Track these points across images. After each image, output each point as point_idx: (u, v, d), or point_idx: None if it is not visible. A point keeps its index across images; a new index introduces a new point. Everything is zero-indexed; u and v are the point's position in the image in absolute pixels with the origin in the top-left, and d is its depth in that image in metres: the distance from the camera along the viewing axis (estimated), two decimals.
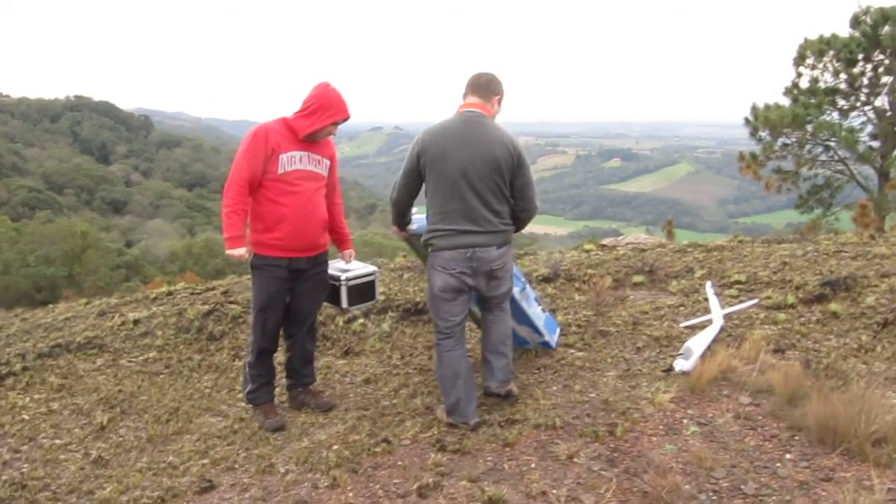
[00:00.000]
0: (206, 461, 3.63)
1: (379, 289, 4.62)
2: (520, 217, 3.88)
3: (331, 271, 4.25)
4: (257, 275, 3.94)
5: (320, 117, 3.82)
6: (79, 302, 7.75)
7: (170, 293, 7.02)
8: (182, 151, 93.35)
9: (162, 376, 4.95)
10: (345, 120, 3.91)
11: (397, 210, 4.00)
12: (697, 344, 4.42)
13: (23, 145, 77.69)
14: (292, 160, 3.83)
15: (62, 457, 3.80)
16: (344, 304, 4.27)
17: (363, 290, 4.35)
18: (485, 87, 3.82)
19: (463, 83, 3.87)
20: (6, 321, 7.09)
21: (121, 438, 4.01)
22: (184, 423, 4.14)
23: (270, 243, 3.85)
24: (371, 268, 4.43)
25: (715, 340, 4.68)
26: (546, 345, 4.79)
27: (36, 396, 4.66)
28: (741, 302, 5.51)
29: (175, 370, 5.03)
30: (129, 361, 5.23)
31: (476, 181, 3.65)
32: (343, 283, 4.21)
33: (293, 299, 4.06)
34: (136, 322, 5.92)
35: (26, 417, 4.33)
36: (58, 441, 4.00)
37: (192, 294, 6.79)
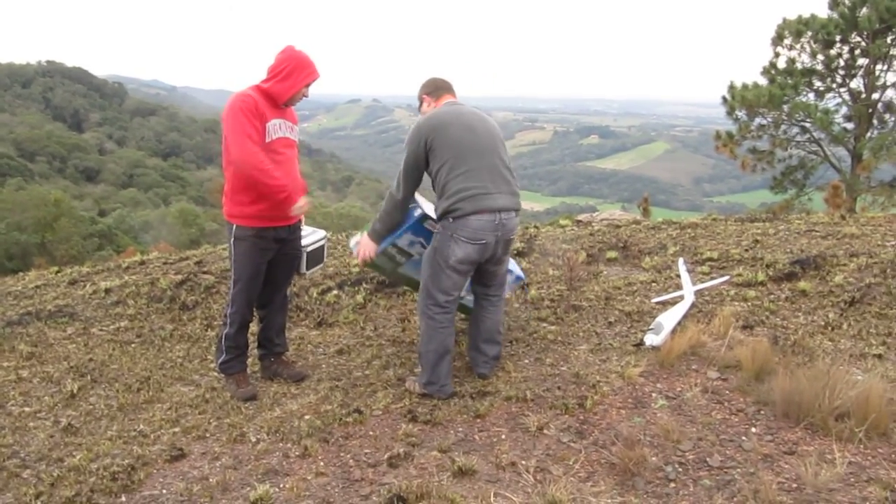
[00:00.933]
0: (176, 430, 3.63)
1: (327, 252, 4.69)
2: None
3: None
4: (243, 246, 3.87)
5: (297, 79, 3.79)
6: (50, 270, 7.66)
7: (143, 262, 6.97)
8: (157, 120, 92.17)
9: (133, 345, 4.92)
10: (315, 80, 3.89)
11: (401, 209, 3.92)
12: (668, 319, 4.47)
13: None
14: (276, 128, 3.82)
15: (31, 424, 3.77)
16: (303, 269, 4.28)
17: (317, 255, 4.39)
18: (450, 85, 4.02)
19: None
20: None
21: (91, 407, 3.99)
22: (155, 392, 4.13)
23: (259, 214, 3.82)
24: (322, 232, 4.47)
25: (686, 316, 4.73)
26: (519, 279, 4.83)
27: (5, 364, 4.62)
28: (713, 279, 5.57)
29: (147, 339, 5.01)
30: (101, 330, 5.19)
31: (490, 141, 3.76)
32: (303, 249, 4.22)
33: (270, 269, 4.04)
34: (107, 291, 5.87)
35: None
36: (27, 409, 3.97)
37: (165, 264, 6.74)
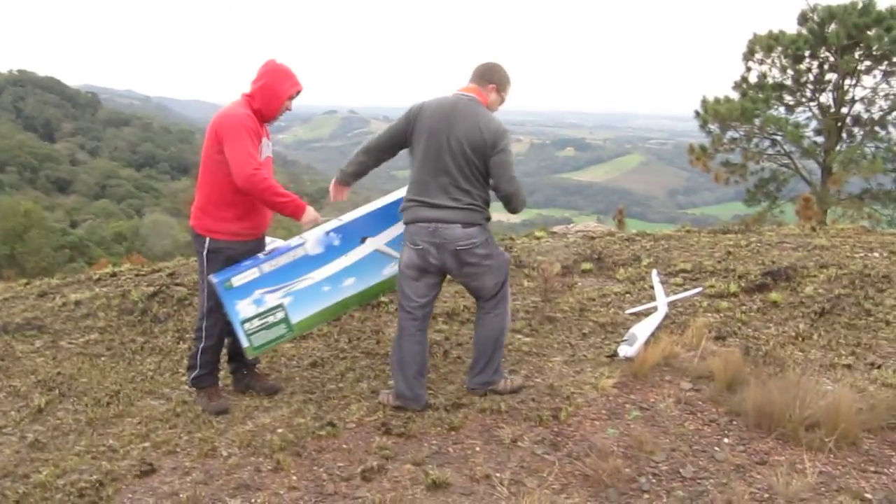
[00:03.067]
0: (147, 444, 3.57)
1: None
2: (501, 200, 3.89)
3: None
4: (219, 259, 3.82)
5: (280, 93, 3.75)
6: (18, 282, 7.53)
7: (114, 274, 6.87)
8: (131, 130, 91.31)
9: (103, 358, 4.84)
10: (299, 93, 3.86)
11: (358, 153, 4.03)
12: (642, 330, 4.49)
13: None
14: (267, 147, 3.84)
15: None
16: None
17: None
18: (480, 75, 3.87)
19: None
20: None
21: (59, 421, 3.92)
22: (125, 406, 4.07)
23: (241, 231, 3.81)
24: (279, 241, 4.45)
25: (659, 327, 4.76)
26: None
27: None
28: (686, 290, 5.62)
29: (117, 352, 4.93)
30: (70, 343, 5.11)
31: (449, 158, 3.67)
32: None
33: None
34: (77, 303, 5.78)
35: None
36: None
37: (136, 276, 6.65)
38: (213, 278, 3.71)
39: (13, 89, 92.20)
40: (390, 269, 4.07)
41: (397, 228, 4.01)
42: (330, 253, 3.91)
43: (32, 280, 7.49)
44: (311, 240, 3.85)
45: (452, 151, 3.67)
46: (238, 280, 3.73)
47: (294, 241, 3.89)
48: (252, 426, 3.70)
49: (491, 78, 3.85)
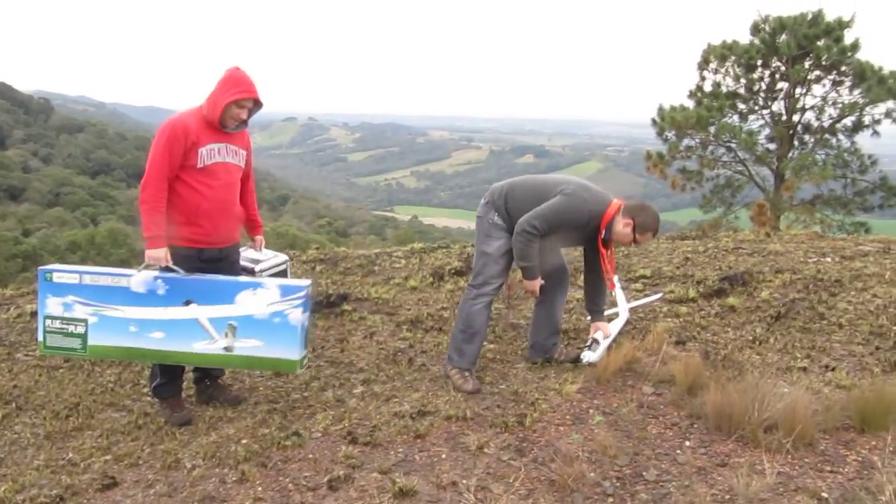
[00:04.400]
0: (108, 457, 3.51)
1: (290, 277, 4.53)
2: None
3: (243, 262, 4.19)
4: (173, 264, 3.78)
5: (222, 97, 3.67)
6: None
7: None
8: (85, 137, 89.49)
9: (61, 371, 4.75)
10: (251, 99, 3.75)
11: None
12: (603, 336, 4.55)
13: None
14: (212, 153, 3.74)
15: None
16: None
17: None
18: (631, 209, 4.16)
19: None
20: None
21: (16, 436, 3.84)
22: (85, 419, 4.00)
23: (186, 236, 3.75)
24: (282, 257, 4.41)
25: (621, 333, 4.83)
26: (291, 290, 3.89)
27: None
28: (646, 295, 5.70)
29: (75, 364, 4.84)
30: (26, 355, 5.00)
31: None
32: (259, 273, 4.16)
33: None
34: (33, 314, 5.66)
35: None
36: None
37: None
38: (41, 267, 3.74)
39: None
40: (202, 346, 3.72)
41: (228, 310, 3.70)
42: (149, 298, 3.69)
43: None
44: (138, 277, 3.70)
45: None
46: (58, 277, 3.71)
47: (127, 271, 3.78)
48: (216, 437, 3.67)
49: (635, 216, 4.09)
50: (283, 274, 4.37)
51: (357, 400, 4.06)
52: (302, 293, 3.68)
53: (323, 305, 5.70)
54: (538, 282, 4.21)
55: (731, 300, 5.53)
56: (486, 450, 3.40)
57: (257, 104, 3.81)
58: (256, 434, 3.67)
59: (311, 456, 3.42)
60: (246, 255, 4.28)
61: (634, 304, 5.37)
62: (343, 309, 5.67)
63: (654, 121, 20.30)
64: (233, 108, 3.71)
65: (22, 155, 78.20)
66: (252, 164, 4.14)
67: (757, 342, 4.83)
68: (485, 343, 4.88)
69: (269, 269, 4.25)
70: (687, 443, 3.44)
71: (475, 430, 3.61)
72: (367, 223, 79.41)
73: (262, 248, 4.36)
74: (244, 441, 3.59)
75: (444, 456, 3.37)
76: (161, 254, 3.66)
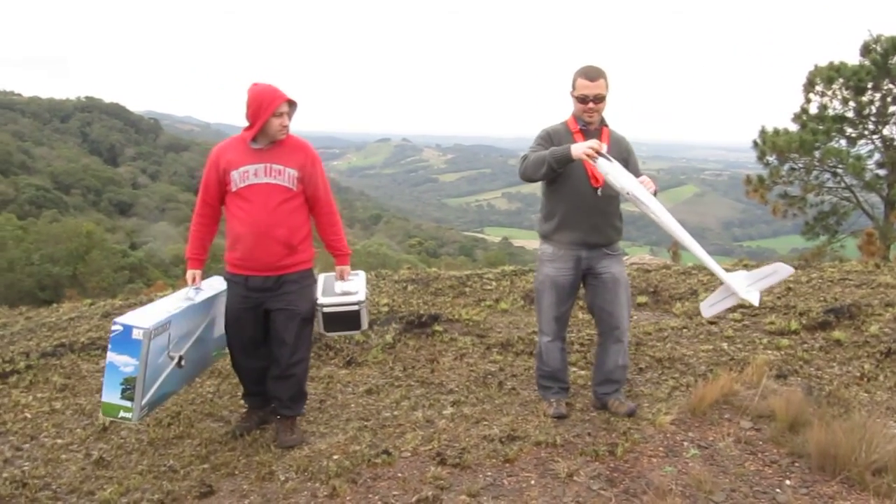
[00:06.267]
0: (206, 466, 3.64)
1: (366, 319, 4.16)
2: None
3: (317, 288, 4.05)
4: (227, 289, 3.94)
5: (260, 116, 3.62)
6: (83, 302, 7.78)
7: None
8: (190, 155, 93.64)
9: None
10: (288, 103, 3.68)
11: None
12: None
13: (32, 144, 78.01)
14: (245, 176, 3.69)
15: (63, 456, 3.81)
16: (321, 329, 4.09)
17: (346, 319, 4.07)
18: None
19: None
20: (11, 319, 7.12)
21: (122, 440, 4.02)
22: (185, 428, 4.15)
23: (231, 261, 3.83)
24: (357, 297, 4.05)
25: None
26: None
27: (39, 395, 4.68)
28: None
29: None
30: None
31: None
32: (319, 308, 3.98)
33: (270, 321, 3.88)
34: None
35: (29, 416, 4.35)
36: (59, 440, 4.01)
37: None
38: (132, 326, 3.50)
39: (81, 115, 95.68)
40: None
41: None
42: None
43: (96, 300, 7.74)
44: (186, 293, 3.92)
45: None
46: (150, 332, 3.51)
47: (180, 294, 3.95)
48: (308, 451, 3.74)
49: None
50: (354, 315, 4.05)
51: (446, 421, 4.08)
52: (115, 332, 3.50)
53: (414, 325, 5.76)
54: (579, 146, 3.73)
55: (837, 334, 5.29)
56: (575, 478, 3.35)
57: (292, 105, 3.73)
58: (347, 450, 3.72)
59: (400, 475, 3.44)
60: (326, 283, 4.14)
61: (739, 278, 3.86)
62: (434, 329, 5.71)
63: (755, 143, 19.70)
64: (274, 122, 3.65)
65: (132, 172, 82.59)
66: (324, 184, 3.88)
67: (865, 379, 4.59)
68: (576, 370, 4.83)
69: (333, 306, 4.00)
70: (787, 482, 3.29)
71: (565, 457, 3.56)
72: (457, 244, 79.80)
73: (346, 278, 4.08)
74: (335, 457, 3.65)
75: (532, 482, 3.34)
76: (189, 275, 3.90)
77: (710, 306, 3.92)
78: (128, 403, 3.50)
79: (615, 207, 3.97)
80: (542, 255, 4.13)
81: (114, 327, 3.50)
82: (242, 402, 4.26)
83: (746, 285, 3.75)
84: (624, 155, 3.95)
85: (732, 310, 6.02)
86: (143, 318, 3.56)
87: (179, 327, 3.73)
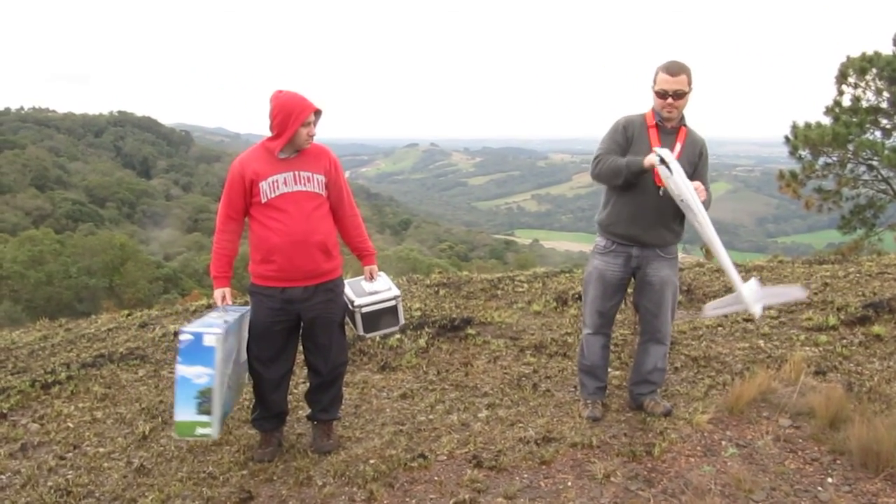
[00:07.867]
0: (245, 472, 3.68)
1: (402, 314, 4.27)
2: None
3: (347, 292, 4.05)
4: (252, 302, 3.84)
5: (289, 126, 3.57)
6: (121, 314, 7.91)
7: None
8: (221, 166, 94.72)
9: None
10: (316, 113, 3.66)
11: None
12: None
13: (67, 159, 79.65)
14: (275, 185, 3.63)
15: (105, 464, 3.87)
16: (360, 331, 4.10)
17: (384, 316, 4.11)
18: None
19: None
20: (51, 331, 7.26)
21: (162, 448, 4.07)
22: (223, 434, 4.19)
23: (266, 274, 3.72)
24: (391, 292, 4.14)
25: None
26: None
27: (80, 405, 4.76)
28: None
29: None
30: (170, 373, 5.31)
31: None
32: (357, 309, 4.00)
33: (304, 330, 3.88)
34: (175, 334, 6.02)
35: (71, 425, 4.43)
36: (101, 449, 4.08)
37: None
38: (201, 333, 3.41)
39: (113, 129, 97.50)
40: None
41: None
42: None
43: (133, 311, 7.86)
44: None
45: None
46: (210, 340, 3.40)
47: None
48: (345, 456, 3.77)
49: None
50: (391, 311, 4.13)
51: (482, 424, 4.08)
52: (184, 342, 3.39)
53: (447, 329, 5.77)
54: (650, 157, 3.68)
55: (877, 328, 5.20)
56: (612, 479, 3.34)
57: (318, 114, 3.69)
58: (384, 455, 3.74)
59: (436, 478, 3.45)
60: (355, 285, 4.17)
61: (752, 289, 3.82)
62: (467, 333, 5.71)
63: (787, 138, 19.39)
64: (302, 131, 3.61)
65: (165, 184, 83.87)
66: (346, 188, 3.89)
67: None
68: (610, 370, 4.80)
69: (370, 304, 4.05)
70: (829, 479, 3.25)
71: (601, 458, 3.55)
72: (488, 247, 79.76)
73: (375, 277, 4.13)
74: (372, 461, 3.67)
75: (569, 483, 3.33)
76: (218, 294, 3.79)
77: (713, 308, 4.01)
78: (205, 418, 3.38)
79: (675, 210, 3.83)
80: (595, 247, 4.15)
81: (182, 337, 3.41)
82: (255, 429, 4.06)
83: (756, 299, 3.75)
84: (694, 159, 3.88)
85: (767, 307, 5.95)
86: (207, 325, 3.48)
87: (227, 344, 3.57)
